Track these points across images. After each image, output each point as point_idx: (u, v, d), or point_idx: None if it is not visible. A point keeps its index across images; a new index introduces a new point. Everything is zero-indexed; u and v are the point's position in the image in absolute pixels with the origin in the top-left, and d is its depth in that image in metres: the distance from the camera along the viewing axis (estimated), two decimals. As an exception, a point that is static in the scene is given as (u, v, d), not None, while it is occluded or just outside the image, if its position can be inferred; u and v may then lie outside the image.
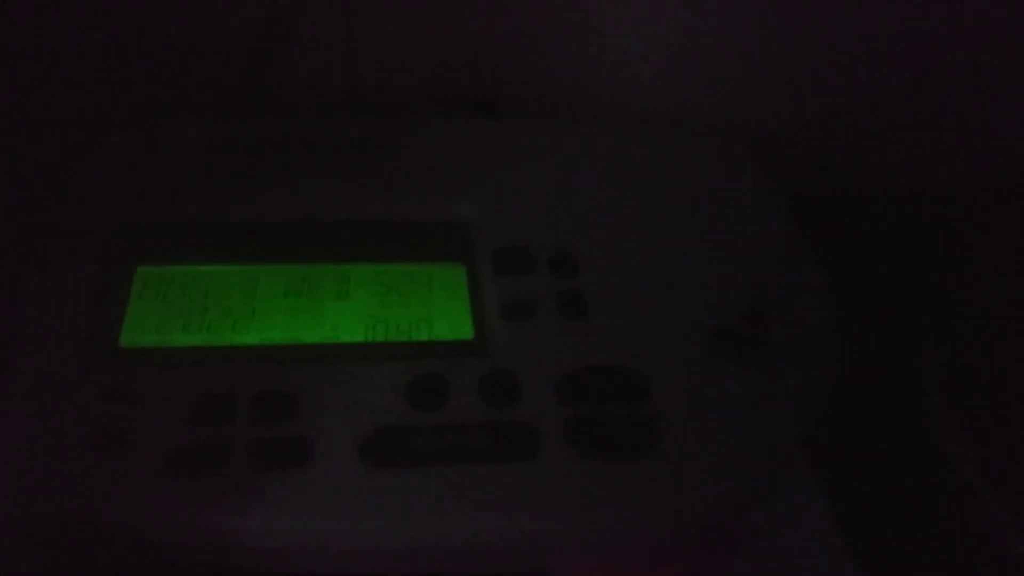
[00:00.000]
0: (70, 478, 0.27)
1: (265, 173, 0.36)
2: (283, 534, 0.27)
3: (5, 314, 0.31)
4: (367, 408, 0.29)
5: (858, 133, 0.46)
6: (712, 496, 0.29)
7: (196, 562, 0.29)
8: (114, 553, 0.29)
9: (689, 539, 0.32)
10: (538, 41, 0.42)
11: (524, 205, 0.36)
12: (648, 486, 0.29)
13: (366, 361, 0.30)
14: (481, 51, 0.42)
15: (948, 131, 0.45)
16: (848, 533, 0.33)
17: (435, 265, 0.34)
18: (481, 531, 0.28)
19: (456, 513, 0.28)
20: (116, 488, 0.27)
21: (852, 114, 0.45)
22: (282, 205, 0.35)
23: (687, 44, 0.42)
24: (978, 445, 0.35)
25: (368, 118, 0.39)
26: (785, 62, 0.43)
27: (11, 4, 0.34)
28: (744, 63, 0.43)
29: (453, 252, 0.35)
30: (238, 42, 0.40)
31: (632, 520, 0.29)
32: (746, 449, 0.30)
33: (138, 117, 0.37)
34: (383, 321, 0.32)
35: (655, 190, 0.37)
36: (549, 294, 0.33)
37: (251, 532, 0.27)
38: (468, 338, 0.32)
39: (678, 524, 0.29)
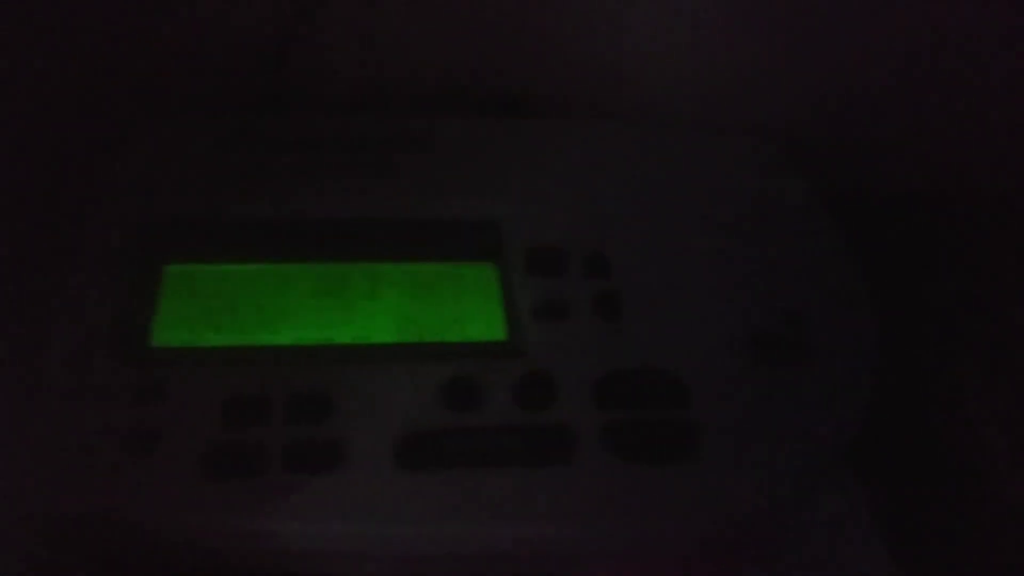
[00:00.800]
0: (103, 479, 0.27)
1: (294, 170, 0.35)
2: (318, 537, 0.27)
3: (36, 314, 0.31)
4: (401, 410, 0.29)
5: (902, 132, 0.45)
6: (752, 502, 0.29)
7: (229, 564, 0.29)
8: (147, 555, 0.29)
9: (728, 545, 0.31)
10: (570, 36, 0.41)
11: (557, 204, 0.35)
12: (687, 492, 0.28)
13: (399, 362, 0.30)
14: (509, 47, 0.42)
15: (995, 131, 0.45)
16: (890, 538, 0.33)
17: (467, 264, 0.34)
18: (515, 536, 0.28)
19: (490, 517, 0.27)
20: (150, 490, 0.27)
21: (897, 113, 0.44)
22: (311, 203, 0.35)
23: (723, 45, 0.42)
24: (1020, 450, 0.35)
25: (398, 115, 0.38)
26: (823, 61, 0.42)
27: (36, 5, 0.34)
28: (783, 64, 0.42)
29: (485, 251, 0.34)
30: (267, 39, 0.40)
31: (671, 526, 0.28)
32: (787, 454, 0.29)
33: (166, 115, 0.37)
34: (415, 321, 0.32)
35: (690, 190, 0.37)
36: (583, 295, 0.32)
37: (286, 534, 0.27)
38: (502, 339, 0.32)
39: (718, 530, 0.29)
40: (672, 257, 0.34)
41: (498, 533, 0.28)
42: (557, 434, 0.29)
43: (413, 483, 0.27)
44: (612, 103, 0.44)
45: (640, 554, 0.30)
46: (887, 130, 0.45)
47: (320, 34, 0.40)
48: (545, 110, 0.44)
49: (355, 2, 0.39)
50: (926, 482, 0.36)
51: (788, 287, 0.34)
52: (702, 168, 0.38)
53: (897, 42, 0.42)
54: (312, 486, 0.27)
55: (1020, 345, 0.37)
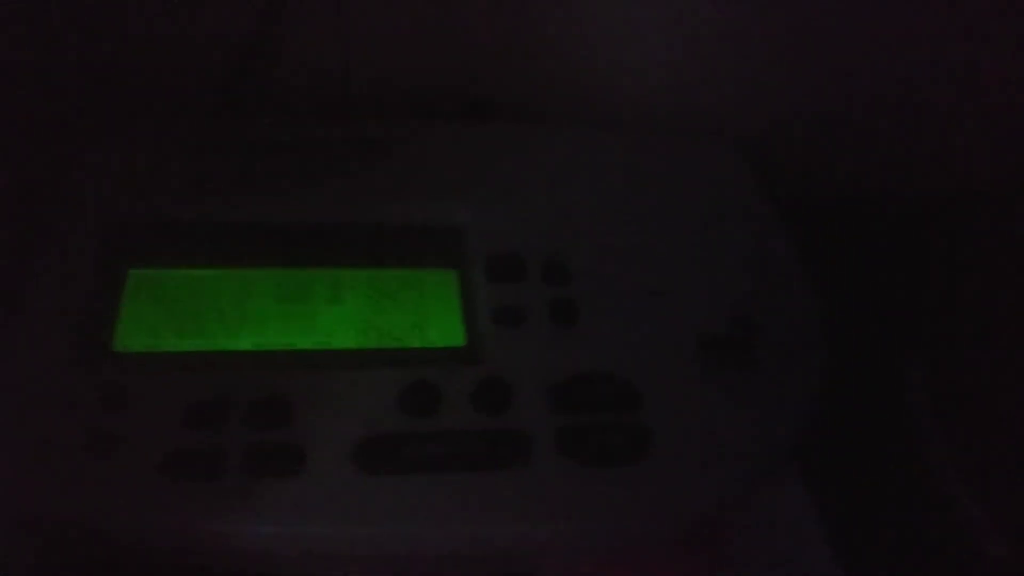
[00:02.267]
0: (64, 482, 0.27)
1: (258, 175, 0.36)
2: (276, 539, 0.28)
3: (-2, 317, 0.31)
4: (360, 415, 0.29)
5: (849, 140, 0.46)
6: (702, 502, 0.29)
7: (190, 566, 0.29)
8: (108, 557, 0.29)
9: (678, 544, 0.32)
10: (533, 44, 0.42)
11: (517, 210, 0.36)
12: (638, 493, 0.29)
13: (359, 367, 0.31)
14: (475, 53, 0.42)
15: (935, 139, 0.46)
16: (834, 537, 0.34)
17: (427, 270, 0.34)
18: (473, 537, 0.29)
19: (448, 520, 0.28)
20: (110, 492, 0.27)
21: (843, 121, 0.45)
22: (274, 208, 0.35)
23: (682, 49, 0.42)
24: (959, 450, 0.36)
25: (362, 120, 0.39)
26: (780, 68, 0.43)
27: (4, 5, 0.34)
28: (739, 69, 0.43)
29: (445, 257, 0.35)
30: (232, 43, 0.40)
31: (623, 526, 0.29)
32: (735, 455, 0.30)
33: (131, 118, 0.37)
34: (376, 327, 0.32)
35: (647, 196, 0.38)
36: (541, 301, 0.33)
37: (245, 537, 0.27)
38: (460, 345, 0.32)
39: (668, 530, 0.30)
40: (628, 263, 0.35)
41: (456, 535, 0.28)
42: (513, 438, 0.29)
43: (372, 486, 0.28)
44: (579, 108, 0.45)
45: (594, 554, 0.31)
46: (846, 139, 0.47)
47: (288, 39, 0.40)
48: (510, 114, 0.45)
49: (322, 8, 0.40)
50: (870, 483, 0.37)
51: (739, 291, 0.35)
52: (658, 173, 0.39)
53: (865, 53, 0.43)
54: (272, 489, 0.27)
55: (967, 353, 0.38)
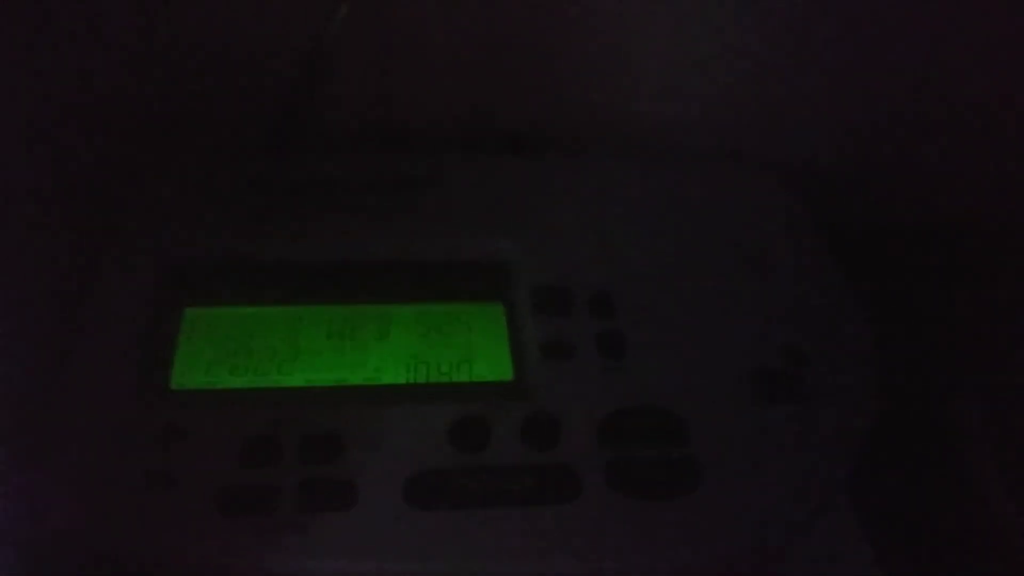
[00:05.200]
0: (123, 518, 0.28)
1: (308, 214, 0.36)
2: (329, 574, 0.28)
3: (58, 357, 0.32)
4: (410, 450, 0.30)
5: (895, 166, 0.46)
6: (752, 537, 0.29)
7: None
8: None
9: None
10: (574, 77, 0.42)
11: (563, 244, 0.36)
12: (689, 527, 0.29)
13: (408, 403, 0.31)
14: (516, 88, 0.43)
15: (985, 165, 0.45)
16: (884, 565, 0.33)
17: (475, 305, 0.35)
18: (522, 572, 0.28)
19: (499, 555, 0.28)
20: (168, 528, 0.28)
21: (889, 147, 0.45)
22: (324, 246, 0.36)
23: (724, 79, 0.43)
24: (1012, 480, 0.35)
25: (408, 158, 0.39)
26: (822, 96, 0.43)
27: (59, 52, 0.35)
28: (780, 97, 0.43)
29: (492, 291, 0.35)
30: (279, 83, 0.41)
31: (673, 561, 0.29)
32: (786, 490, 0.30)
33: (183, 161, 0.38)
34: (424, 362, 0.33)
35: (693, 227, 0.38)
36: (588, 335, 0.33)
37: (299, 572, 0.28)
38: (508, 379, 0.32)
39: (719, 565, 0.29)
40: (675, 295, 0.35)
41: (506, 571, 0.28)
42: (562, 472, 0.29)
43: (422, 522, 0.28)
44: (621, 141, 0.45)
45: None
46: (892, 165, 0.46)
47: (334, 79, 0.41)
48: (553, 148, 0.45)
49: (369, 47, 0.40)
50: (924, 518, 0.36)
51: (789, 324, 0.34)
52: (704, 204, 0.39)
53: (906, 80, 0.42)
54: (324, 525, 0.28)
55: (1016, 376, 0.37)
